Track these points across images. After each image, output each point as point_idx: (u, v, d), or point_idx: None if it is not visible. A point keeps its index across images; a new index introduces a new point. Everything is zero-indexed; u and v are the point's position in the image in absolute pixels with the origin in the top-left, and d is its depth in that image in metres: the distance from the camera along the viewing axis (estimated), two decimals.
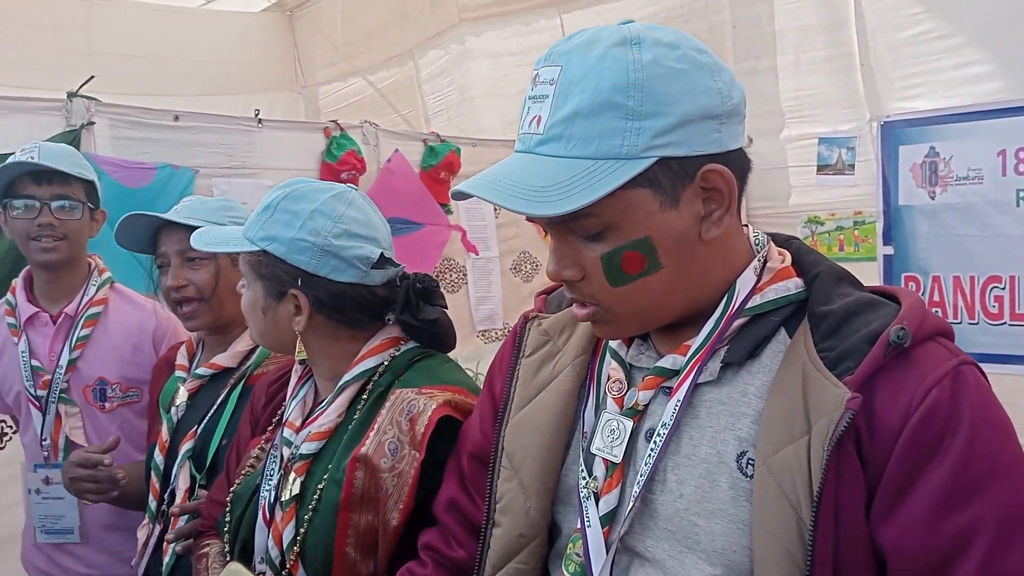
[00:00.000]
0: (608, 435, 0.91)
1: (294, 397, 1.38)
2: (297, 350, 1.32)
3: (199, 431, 1.70)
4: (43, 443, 1.95)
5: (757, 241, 0.94)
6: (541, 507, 0.96)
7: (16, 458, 2.45)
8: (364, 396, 1.29)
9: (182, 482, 1.67)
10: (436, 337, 1.37)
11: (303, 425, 1.32)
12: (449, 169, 3.91)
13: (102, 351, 1.99)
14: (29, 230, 1.89)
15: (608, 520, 0.89)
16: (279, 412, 1.43)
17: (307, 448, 1.27)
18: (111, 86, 3.52)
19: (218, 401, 1.70)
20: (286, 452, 1.31)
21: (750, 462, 0.83)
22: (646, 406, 0.91)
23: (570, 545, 0.91)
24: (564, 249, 0.87)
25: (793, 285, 0.90)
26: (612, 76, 0.79)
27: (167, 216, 1.73)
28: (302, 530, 1.23)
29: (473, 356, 3.76)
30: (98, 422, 1.99)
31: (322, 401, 1.34)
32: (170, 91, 5.00)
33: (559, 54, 0.84)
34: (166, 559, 1.66)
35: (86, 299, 1.99)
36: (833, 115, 4.18)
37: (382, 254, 1.30)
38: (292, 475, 1.26)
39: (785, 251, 0.95)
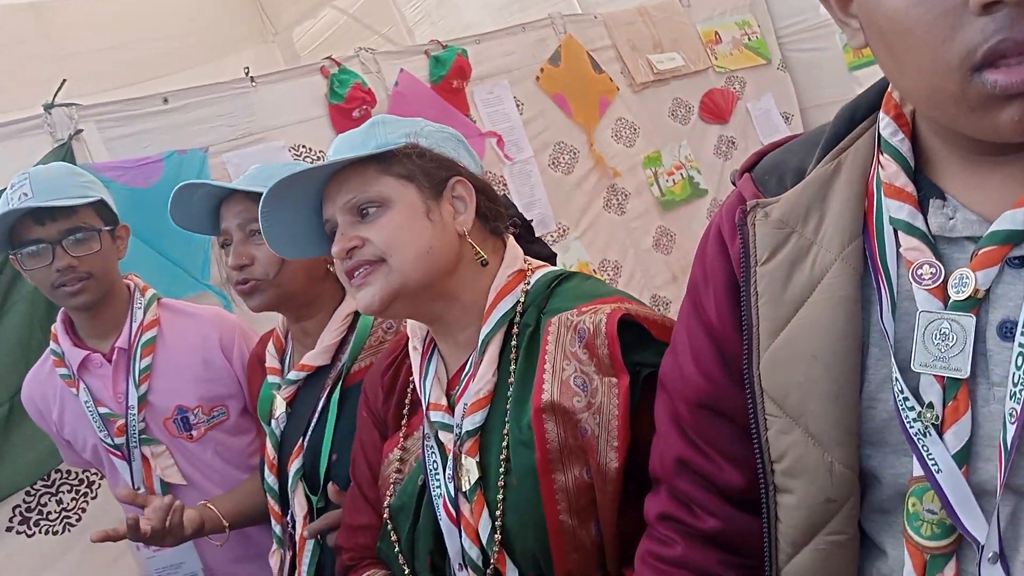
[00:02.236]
0: (936, 342, 0.63)
1: (425, 376, 1.15)
2: (477, 250, 1.14)
3: (305, 446, 1.47)
4: (138, 492, 1.74)
5: None
6: (848, 459, 0.70)
7: (109, 507, 2.29)
8: (513, 343, 1.08)
9: (299, 508, 1.47)
10: (542, 243, 1.25)
11: (451, 401, 1.12)
12: (461, 75, 3.55)
13: (171, 377, 1.76)
14: (49, 278, 1.64)
15: (964, 458, 0.62)
16: (406, 402, 1.21)
17: (471, 423, 1.07)
18: (86, 88, 3.24)
19: (318, 408, 1.47)
20: (446, 437, 1.10)
21: None
22: (987, 291, 0.62)
23: (912, 501, 0.65)
24: None
25: None
26: None
27: (225, 184, 1.49)
28: (498, 513, 1.03)
29: None
30: (190, 454, 1.78)
31: (463, 368, 1.13)
32: (144, 77, 4.70)
33: None
34: None
35: (136, 326, 1.75)
36: None
37: None
38: (465, 459, 1.06)
39: None
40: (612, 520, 1.02)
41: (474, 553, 1.07)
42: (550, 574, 1.04)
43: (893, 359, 0.66)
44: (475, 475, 1.06)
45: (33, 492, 2.39)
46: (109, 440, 1.74)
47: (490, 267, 1.15)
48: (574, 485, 1.01)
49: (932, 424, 0.63)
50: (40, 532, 2.43)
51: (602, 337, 1.00)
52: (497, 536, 1.04)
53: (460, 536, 1.08)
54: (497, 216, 1.18)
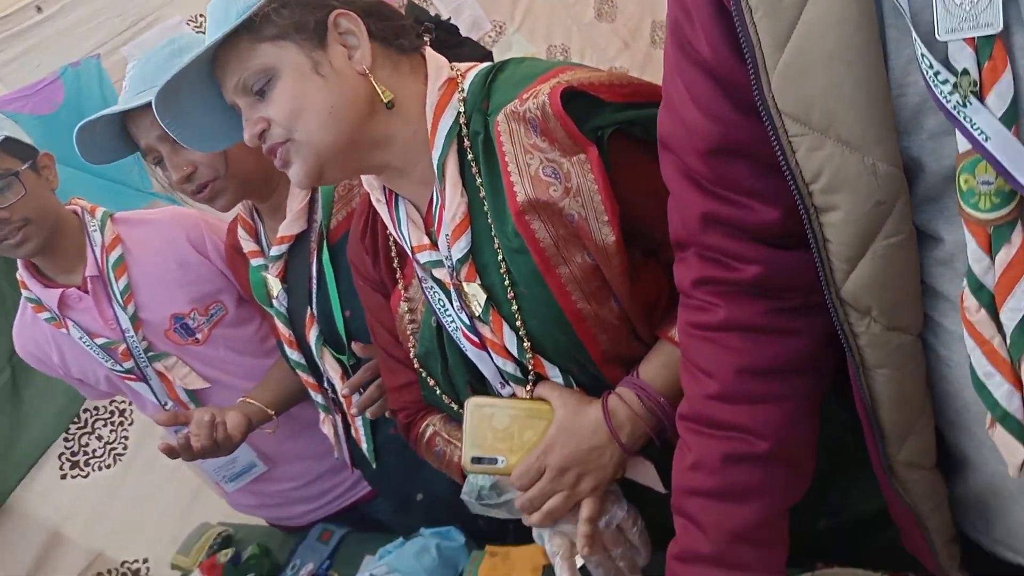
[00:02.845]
0: (959, 2, 0.56)
1: (399, 224, 1.11)
2: (381, 91, 1.01)
3: (316, 313, 1.44)
4: (167, 408, 1.74)
5: None
6: (890, 155, 0.64)
7: (150, 429, 2.31)
8: (470, 157, 1.03)
9: (332, 372, 1.46)
10: (472, 43, 1.14)
11: (432, 238, 1.09)
12: None
13: (153, 290, 1.70)
14: None
15: (1012, 118, 0.57)
16: (393, 256, 1.18)
17: (459, 250, 1.04)
18: None
19: (313, 273, 1.43)
20: (440, 273, 1.07)
21: None
22: None
23: (964, 178, 0.60)
24: None
25: None
26: None
27: (118, 108, 1.37)
28: (518, 324, 1.03)
29: None
30: (203, 356, 1.75)
31: (431, 202, 1.08)
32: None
33: None
34: (363, 445, 1.51)
35: (99, 250, 1.67)
36: None
37: None
38: (467, 285, 1.04)
39: None
40: (627, 290, 1.01)
41: (510, 368, 1.07)
42: (588, 362, 1.05)
43: (915, 34, 0.59)
44: (482, 297, 1.04)
45: (70, 437, 2.41)
46: (119, 367, 1.71)
47: (416, 88, 1.05)
48: (580, 272, 0.99)
49: (971, 92, 0.57)
50: (93, 470, 2.48)
51: (551, 119, 0.95)
52: (527, 344, 1.04)
53: (491, 358, 1.07)
54: (399, 32, 1.05)
